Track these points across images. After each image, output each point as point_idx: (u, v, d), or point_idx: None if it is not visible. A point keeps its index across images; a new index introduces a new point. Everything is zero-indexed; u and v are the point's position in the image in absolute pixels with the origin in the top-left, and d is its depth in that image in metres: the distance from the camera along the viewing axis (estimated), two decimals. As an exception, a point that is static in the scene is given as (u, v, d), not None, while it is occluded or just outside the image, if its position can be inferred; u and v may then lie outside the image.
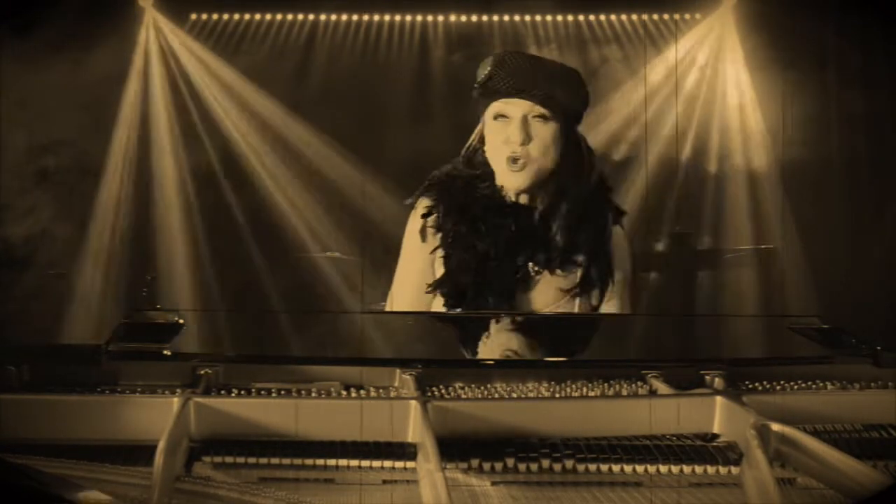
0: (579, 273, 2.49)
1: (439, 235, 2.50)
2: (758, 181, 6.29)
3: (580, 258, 2.50)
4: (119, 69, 6.03)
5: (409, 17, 6.36)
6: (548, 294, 2.49)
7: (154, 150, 6.17)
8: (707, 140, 6.32)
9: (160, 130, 6.18)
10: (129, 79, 6.12)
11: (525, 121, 2.45)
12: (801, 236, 6.07)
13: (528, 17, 6.34)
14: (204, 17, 6.30)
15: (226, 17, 6.31)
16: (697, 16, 6.40)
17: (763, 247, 6.11)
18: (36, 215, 5.58)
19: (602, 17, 6.41)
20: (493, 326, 2.36)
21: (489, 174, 2.53)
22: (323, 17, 6.34)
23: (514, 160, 2.46)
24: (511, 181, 2.49)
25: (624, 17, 6.43)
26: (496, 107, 2.49)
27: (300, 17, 6.34)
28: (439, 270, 2.50)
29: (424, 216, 2.52)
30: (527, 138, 2.45)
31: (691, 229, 6.19)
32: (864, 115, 6.04)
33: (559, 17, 6.36)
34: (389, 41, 6.33)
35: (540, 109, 2.45)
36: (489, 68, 2.48)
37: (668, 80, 6.41)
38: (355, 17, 6.35)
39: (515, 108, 2.46)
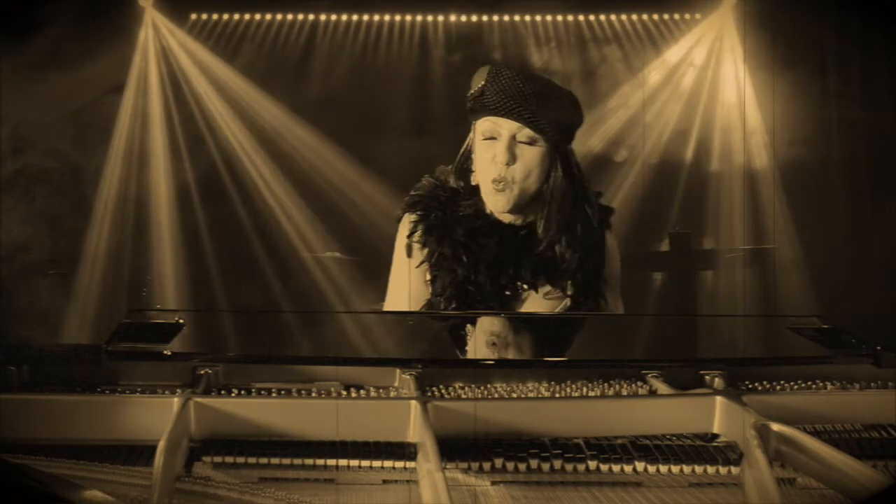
0: (567, 300, 2.49)
1: (425, 251, 2.50)
2: (757, 181, 6.29)
3: (568, 277, 2.49)
4: (119, 69, 6.04)
5: (409, 17, 6.36)
6: (536, 310, 2.49)
7: (153, 150, 6.18)
8: (707, 140, 6.32)
9: (160, 130, 6.19)
10: (129, 79, 6.12)
11: (512, 141, 2.42)
12: (802, 236, 6.07)
13: (528, 17, 6.34)
14: (204, 17, 6.30)
15: (226, 17, 6.31)
16: (697, 16, 6.41)
17: (763, 247, 6.12)
18: (34, 215, 5.57)
19: (602, 17, 6.41)
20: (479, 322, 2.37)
21: (474, 189, 2.52)
22: (323, 17, 6.34)
23: (497, 181, 2.43)
24: (493, 202, 2.47)
25: (624, 17, 6.43)
26: (485, 124, 2.46)
27: (300, 17, 6.34)
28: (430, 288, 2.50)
29: (410, 234, 2.51)
30: (512, 159, 2.42)
31: (690, 229, 6.19)
32: (864, 116, 6.04)
33: (559, 17, 6.37)
34: (389, 41, 6.34)
35: (528, 132, 2.42)
36: (482, 82, 2.44)
37: (667, 80, 6.41)
38: (355, 17, 6.35)
39: (504, 127, 2.43)
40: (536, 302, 2.48)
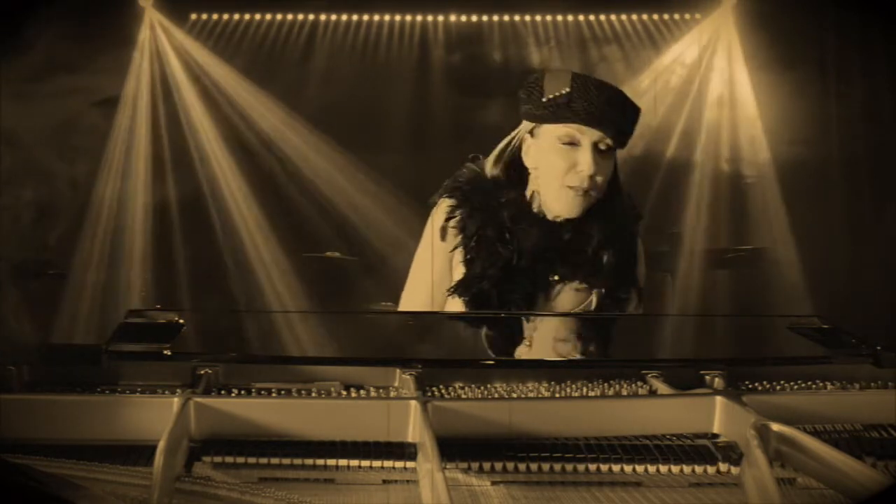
0: (594, 296, 2.50)
1: (460, 236, 2.49)
2: (757, 181, 6.29)
3: (604, 273, 2.50)
4: (119, 69, 6.04)
5: (409, 17, 6.37)
6: (567, 305, 2.49)
7: (154, 150, 6.18)
8: (707, 140, 6.32)
9: (160, 129, 6.19)
10: (129, 78, 6.13)
11: (595, 149, 2.41)
12: (801, 236, 6.07)
13: (528, 17, 6.35)
14: (204, 17, 6.31)
15: (226, 17, 6.32)
16: (697, 16, 6.41)
17: (763, 247, 6.12)
18: (34, 215, 5.58)
19: (602, 17, 6.42)
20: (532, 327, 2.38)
21: (517, 182, 2.51)
22: (323, 17, 6.35)
23: (576, 188, 2.41)
24: (564, 207, 2.45)
25: (624, 17, 6.44)
26: (565, 129, 2.42)
27: (300, 17, 6.35)
28: (457, 271, 2.49)
29: (448, 217, 2.51)
30: (597, 168, 2.41)
31: (690, 229, 6.19)
32: (864, 115, 6.04)
33: (559, 17, 6.37)
34: (389, 41, 6.34)
35: (608, 141, 2.42)
36: (567, 89, 2.40)
37: (666, 80, 6.41)
38: (355, 17, 6.36)
39: (587, 135, 2.41)
40: (567, 294, 2.49)
